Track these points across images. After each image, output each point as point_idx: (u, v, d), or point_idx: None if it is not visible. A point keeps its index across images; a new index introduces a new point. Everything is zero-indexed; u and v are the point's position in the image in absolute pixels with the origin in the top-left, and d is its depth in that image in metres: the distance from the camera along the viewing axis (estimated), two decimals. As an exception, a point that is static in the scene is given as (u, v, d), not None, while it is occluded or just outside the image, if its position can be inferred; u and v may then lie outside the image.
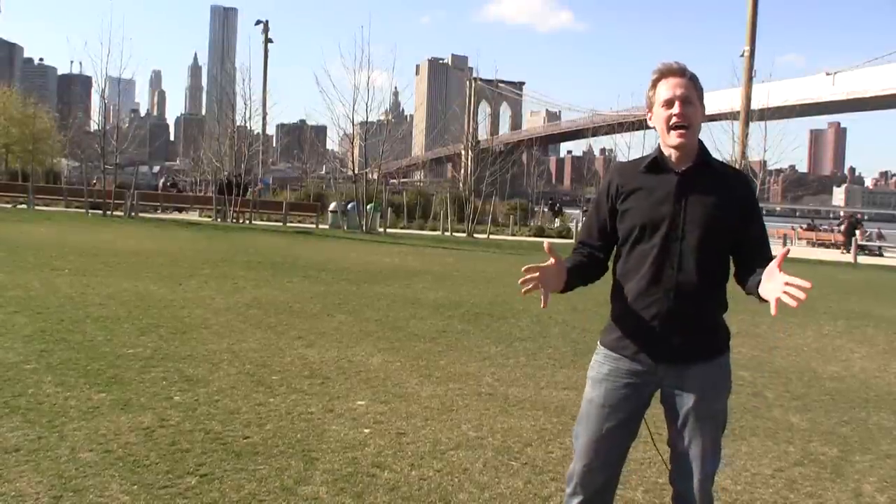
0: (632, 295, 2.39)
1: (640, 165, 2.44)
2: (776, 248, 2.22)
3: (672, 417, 2.41)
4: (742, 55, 33.53)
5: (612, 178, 2.48)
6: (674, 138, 2.35)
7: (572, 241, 15.28)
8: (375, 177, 34.17)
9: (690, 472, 2.39)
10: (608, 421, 2.41)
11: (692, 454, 2.38)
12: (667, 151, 2.40)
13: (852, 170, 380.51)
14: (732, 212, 2.36)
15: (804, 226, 40.49)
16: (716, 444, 2.41)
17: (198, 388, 4.98)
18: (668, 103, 2.36)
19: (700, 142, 2.42)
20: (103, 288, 9.02)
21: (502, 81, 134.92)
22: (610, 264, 2.54)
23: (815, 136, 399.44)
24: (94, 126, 33.29)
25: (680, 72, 2.39)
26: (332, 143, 67.79)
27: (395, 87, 48.73)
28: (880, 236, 33.46)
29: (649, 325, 2.36)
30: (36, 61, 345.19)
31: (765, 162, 30.67)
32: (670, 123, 2.35)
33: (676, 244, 2.32)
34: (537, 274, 2.30)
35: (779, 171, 53.42)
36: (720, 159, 2.49)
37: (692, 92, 2.36)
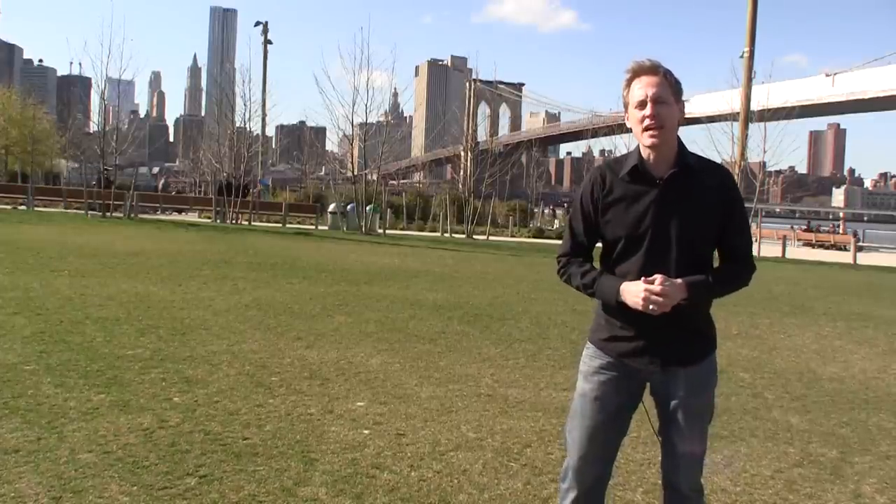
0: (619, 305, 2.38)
1: (620, 170, 2.39)
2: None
3: (661, 410, 2.47)
4: (742, 56, 33.64)
5: (594, 181, 2.42)
6: (647, 139, 2.30)
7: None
8: (375, 178, 34.21)
9: (679, 463, 2.45)
10: (600, 414, 2.44)
11: (680, 445, 2.42)
12: (645, 153, 2.36)
13: (852, 171, 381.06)
14: (714, 209, 2.34)
15: (803, 227, 40.56)
16: (703, 435, 2.46)
17: (197, 390, 4.98)
18: (641, 104, 2.31)
19: (679, 140, 2.38)
20: (103, 289, 9.02)
21: (502, 82, 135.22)
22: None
23: (815, 137, 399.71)
24: (93, 127, 33.23)
25: (653, 70, 2.32)
26: (332, 145, 67.93)
27: (395, 88, 48.62)
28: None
29: (638, 334, 2.37)
30: (35, 62, 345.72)
31: (764, 163, 30.69)
32: (643, 125, 2.30)
33: (660, 253, 2.31)
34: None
35: (778, 172, 53.34)
36: (699, 153, 2.43)
37: (666, 90, 2.30)
